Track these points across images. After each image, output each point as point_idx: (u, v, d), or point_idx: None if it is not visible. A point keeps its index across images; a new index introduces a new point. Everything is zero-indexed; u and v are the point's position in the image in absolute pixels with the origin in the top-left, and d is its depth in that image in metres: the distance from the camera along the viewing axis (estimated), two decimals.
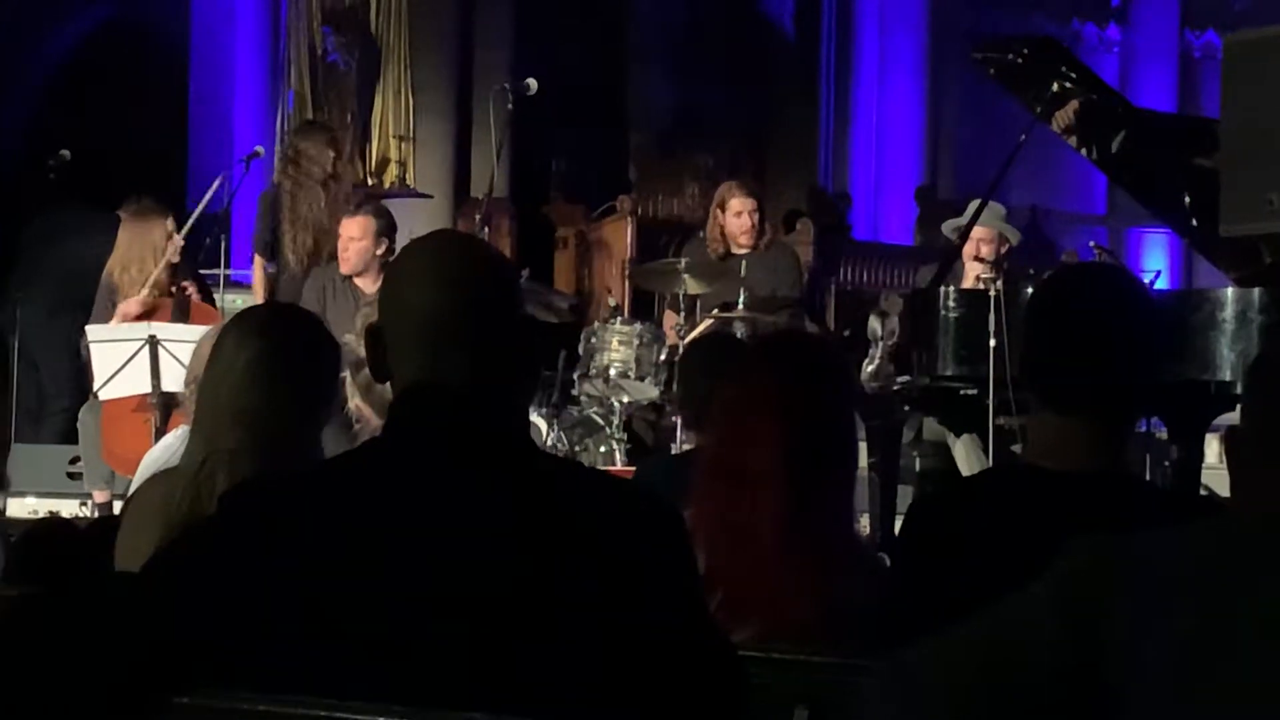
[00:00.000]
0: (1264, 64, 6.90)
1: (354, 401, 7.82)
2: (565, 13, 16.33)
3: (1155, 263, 16.50)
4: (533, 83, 9.62)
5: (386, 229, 8.62)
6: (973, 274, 8.30)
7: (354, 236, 8.51)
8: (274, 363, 3.45)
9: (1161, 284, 12.93)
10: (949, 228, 8.75)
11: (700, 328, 9.11)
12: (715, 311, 9.20)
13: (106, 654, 2.37)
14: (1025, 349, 3.06)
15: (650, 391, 9.23)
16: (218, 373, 3.50)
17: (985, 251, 8.37)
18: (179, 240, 8.67)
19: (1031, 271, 8.33)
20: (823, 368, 3.60)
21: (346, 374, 7.57)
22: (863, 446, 7.55)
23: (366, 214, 8.63)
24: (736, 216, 9.43)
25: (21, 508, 9.03)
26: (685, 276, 9.29)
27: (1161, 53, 19.14)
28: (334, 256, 8.82)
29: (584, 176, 15.96)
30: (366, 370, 2.83)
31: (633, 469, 7.60)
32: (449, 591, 2.23)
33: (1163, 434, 7.87)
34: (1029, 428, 3.07)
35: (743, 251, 9.36)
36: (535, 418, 9.16)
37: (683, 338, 8.97)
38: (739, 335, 8.58)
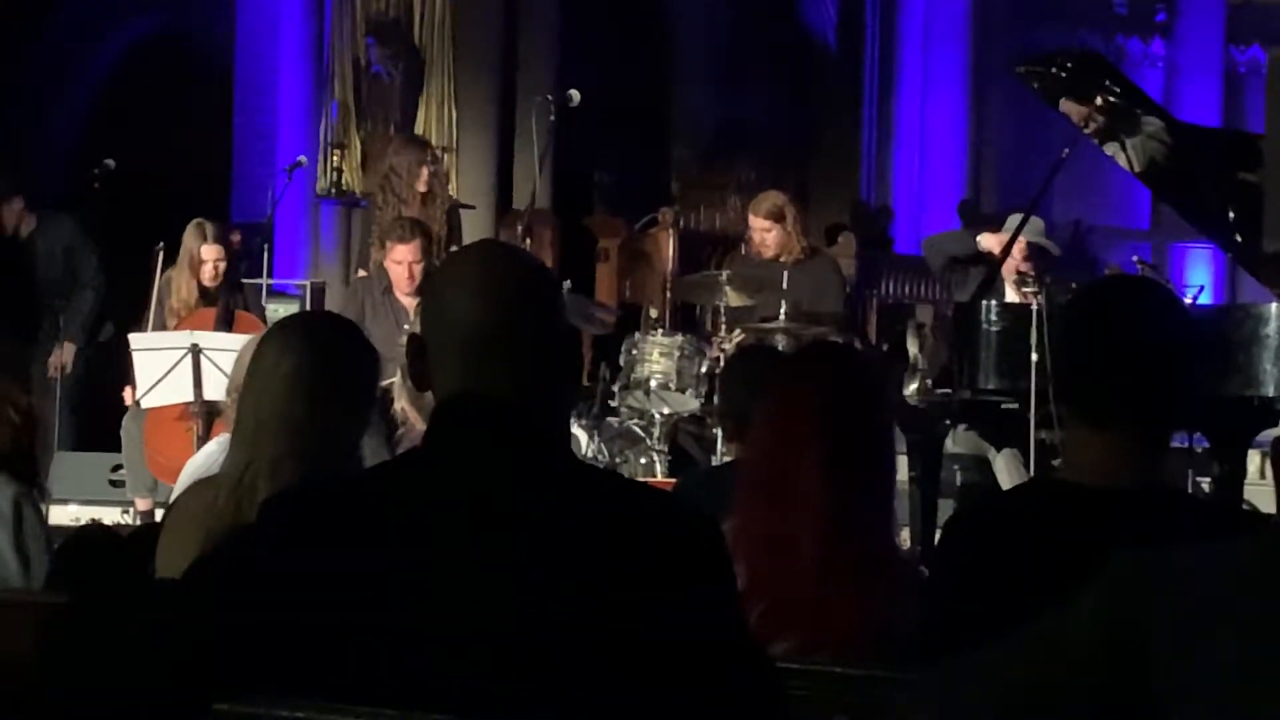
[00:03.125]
0: None
1: (400, 404, 7.86)
2: (609, 25, 16.35)
3: (1199, 278, 16.42)
4: (575, 94, 9.64)
5: (429, 245, 8.69)
6: (1012, 288, 8.28)
7: (415, 260, 8.52)
8: (314, 371, 3.46)
9: (1205, 299, 12.86)
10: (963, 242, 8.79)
11: (734, 340, 9.11)
12: (750, 325, 9.20)
13: (148, 661, 2.38)
14: (1057, 362, 3.04)
15: (691, 403, 9.23)
16: (258, 381, 3.51)
17: (1024, 265, 8.35)
18: (220, 265, 8.68)
19: (1074, 286, 8.32)
20: (859, 379, 3.60)
21: (397, 377, 7.62)
22: (903, 460, 7.55)
23: (419, 235, 8.65)
24: (753, 231, 9.51)
25: (64, 515, 9.08)
26: (727, 289, 9.30)
27: (1206, 68, 19.06)
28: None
29: (626, 188, 15.99)
30: None
31: (673, 481, 7.60)
32: (488, 601, 2.24)
33: (1204, 448, 7.86)
34: (1064, 442, 3.05)
35: (783, 261, 9.37)
36: (576, 429, 9.17)
37: (722, 349, 8.98)
38: (781, 348, 8.57)
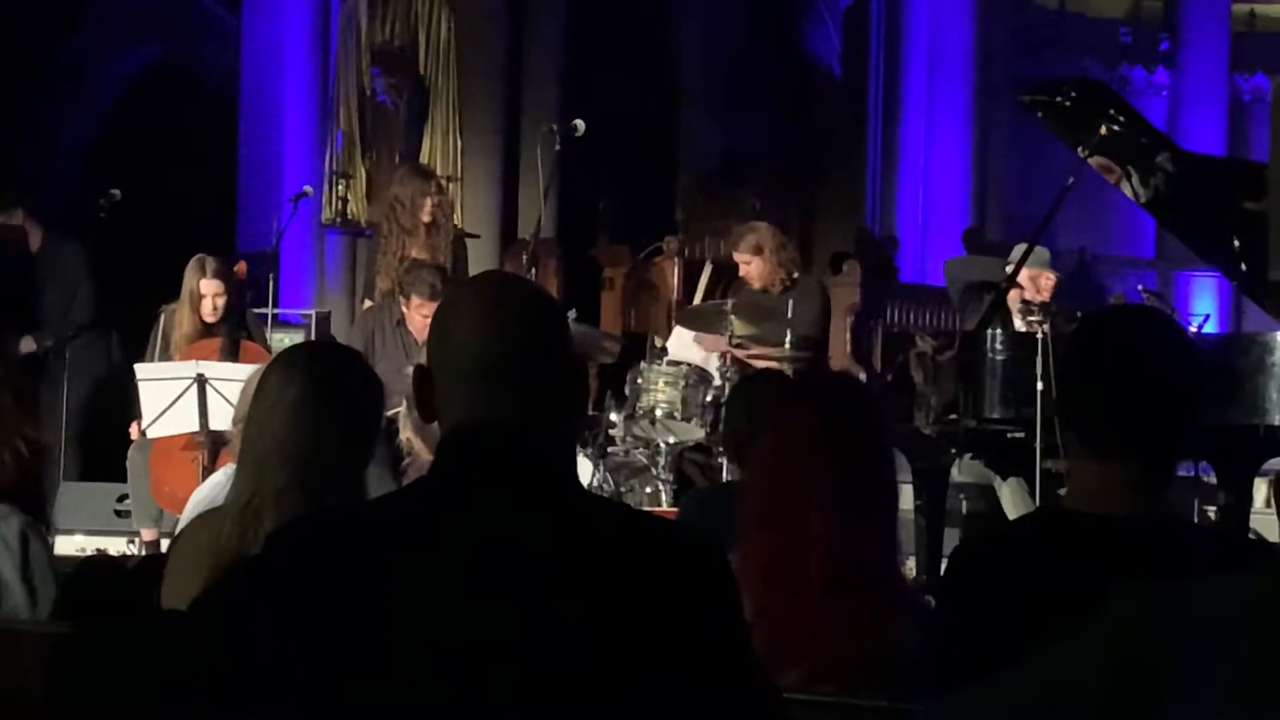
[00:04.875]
0: None
1: (406, 434, 7.86)
2: (613, 54, 16.38)
3: (1204, 306, 16.44)
4: (580, 124, 9.65)
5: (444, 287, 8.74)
6: (1018, 317, 8.28)
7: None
8: (318, 400, 3.46)
9: (1210, 328, 12.87)
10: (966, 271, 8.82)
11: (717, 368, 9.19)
12: (753, 353, 9.27)
13: (153, 691, 2.38)
14: (1061, 391, 3.04)
15: (696, 432, 9.23)
16: (262, 411, 3.51)
17: (1029, 294, 8.35)
18: (219, 301, 8.68)
19: (1079, 314, 8.30)
20: (858, 408, 3.60)
21: (403, 407, 7.61)
22: (909, 489, 7.55)
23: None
24: (739, 265, 9.64)
25: (70, 545, 9.08)
26: (732, 317, 9.31)
27: (1210, 96, 19.10)
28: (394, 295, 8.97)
29: (631, 217, 15.98)
30: None
31: (678, 509, 7.59)
32: (494, 632, 2.23)
33: (1210, 478, 7.85)
34: (1069, 471, 3.05)
35: (769, 291, 9.45)
36: (581, 458, 9.16)
37: (728, 378, 8.99)
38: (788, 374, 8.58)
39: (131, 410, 8.57)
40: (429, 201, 9.72)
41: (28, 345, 10.52)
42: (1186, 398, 2.87)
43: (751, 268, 9.55)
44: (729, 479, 6.97)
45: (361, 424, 3.54)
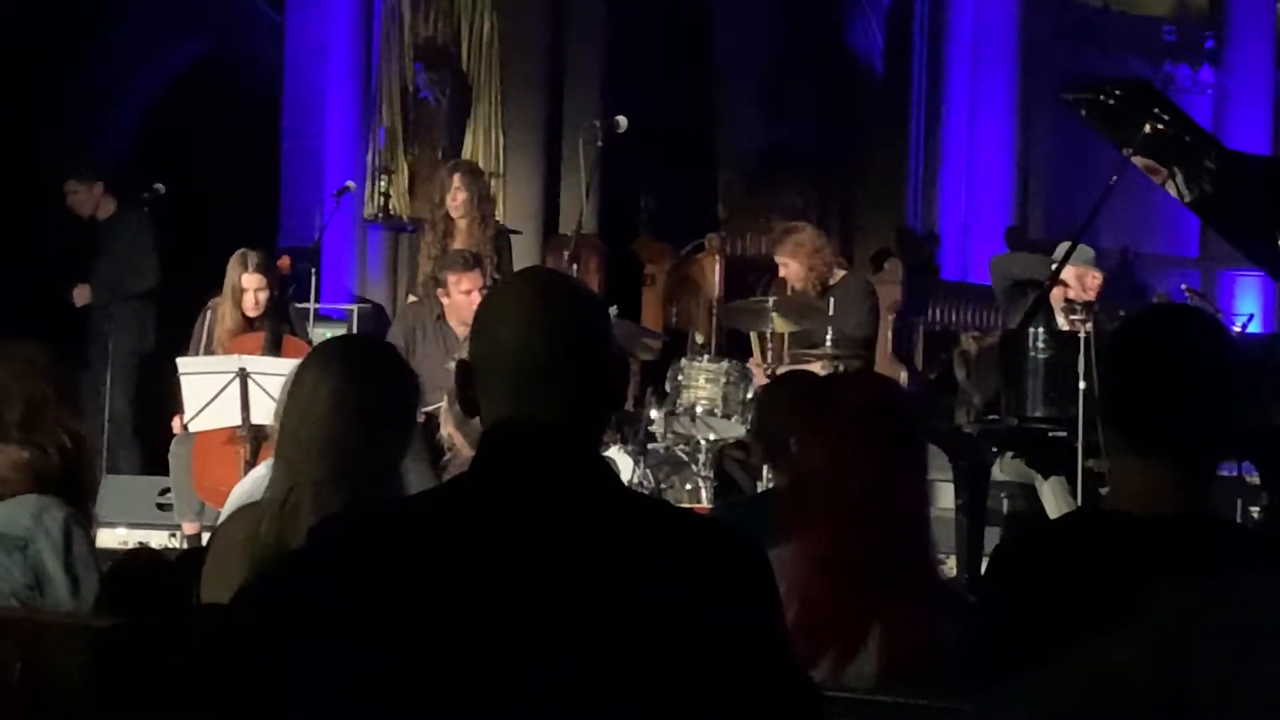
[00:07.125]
0: None
1: (447, 429, 7.87)
2: (655, 51, 16.38)
3: (1248, 305, 16.34)
4: (622, 120, 9.65)
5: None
6: (1061, 316, 8.26)
7: (477, 288, 8.65)
8: (355, 395, 3.46)
9: (1254, 327, 12.80)
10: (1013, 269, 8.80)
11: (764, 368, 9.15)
12: (798, 351, 9.25)
13: (193, 686, 2.39)
14: (1103, 390, 3.03)
15: (736, 429, 9.22)
16: (299, 406, 3.52)
17: (1075, 292, 8.32)
18: (261, 295, 8.69)
19: (1122, 313, 8.28)
20: (892, 408, 3.59)
21: (444, 403, 7.64)
22: (950, 488, 7.53)
23: (479, 264, 8.80)
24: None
25: (112, 538, 9.11)
26: (773, 315, 9.30)
27: (1255, 95, 19.01)
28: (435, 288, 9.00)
29: (673, 214, 15.99)
30: None
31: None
32: (536, 629, 2.24)
33: (1254, 478, 7.81)
34: (1111, 471, 3.03)
35: (806, 292, 9.47)
36: (621, 454, 9.17)
37: (769, 376, 8.98)
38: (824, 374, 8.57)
39: (174, 403, 8.60)
40: (449, 196, 9.72)
41: (82, 297, 10.99)
42: (1229, 398, 2.86)
43: (789, 269, 9.56)
44: (768, 485, 6.96)
45: (397, 415, 3.54)
